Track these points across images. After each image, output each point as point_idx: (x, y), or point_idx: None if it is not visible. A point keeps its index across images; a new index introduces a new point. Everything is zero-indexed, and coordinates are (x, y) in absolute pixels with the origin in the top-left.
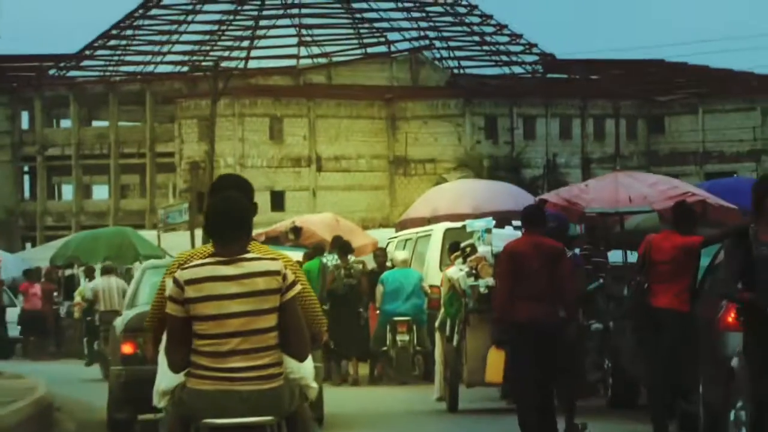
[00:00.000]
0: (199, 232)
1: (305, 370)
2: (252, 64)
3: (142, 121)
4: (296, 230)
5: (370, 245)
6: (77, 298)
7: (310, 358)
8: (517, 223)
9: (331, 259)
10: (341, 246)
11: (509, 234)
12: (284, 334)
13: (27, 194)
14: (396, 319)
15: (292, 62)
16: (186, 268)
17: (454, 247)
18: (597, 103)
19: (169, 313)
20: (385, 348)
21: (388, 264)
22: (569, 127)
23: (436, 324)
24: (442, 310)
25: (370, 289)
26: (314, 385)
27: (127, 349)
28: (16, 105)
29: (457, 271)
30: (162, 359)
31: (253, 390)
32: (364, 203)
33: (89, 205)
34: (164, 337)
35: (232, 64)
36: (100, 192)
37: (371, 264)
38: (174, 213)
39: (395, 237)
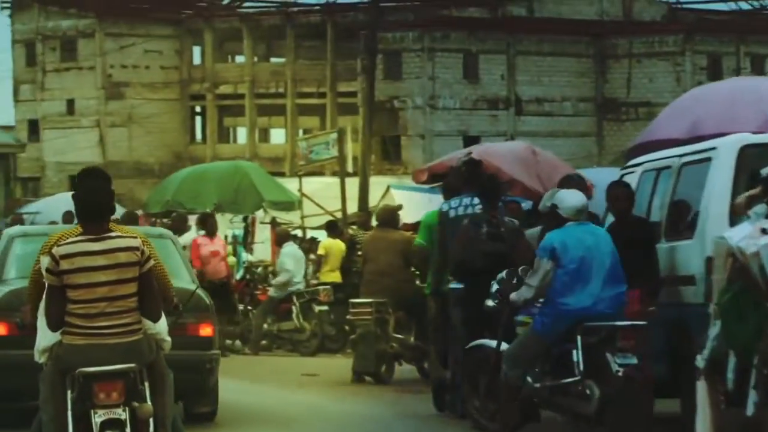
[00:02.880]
0: (352, 180)
1: (160, 327)
2: None
3: (322, 57)
4: (472, 164)
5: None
6: None
7: (163, 316)
8: None
9: (456, 206)
10: (486, 184)
11: None
12: (141, 299)
13: (198, 136)
14: (590, 324)
15: None
16: (61, 245)
17: (749, 181)
18: None
19: (48, 283)
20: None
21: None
22: None
23: (701, 358)
24: (715, 324)
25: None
26: (168, 338)
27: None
28: (185, 38)
29: (754, 233)
30: (41, 322)
31: (118, 342)
32: (568, 151)
33: (264, 150)
34: (42, 303)
35: None
36: (279, 135)
37: None
38: (319, 146)
39: (635, 165)
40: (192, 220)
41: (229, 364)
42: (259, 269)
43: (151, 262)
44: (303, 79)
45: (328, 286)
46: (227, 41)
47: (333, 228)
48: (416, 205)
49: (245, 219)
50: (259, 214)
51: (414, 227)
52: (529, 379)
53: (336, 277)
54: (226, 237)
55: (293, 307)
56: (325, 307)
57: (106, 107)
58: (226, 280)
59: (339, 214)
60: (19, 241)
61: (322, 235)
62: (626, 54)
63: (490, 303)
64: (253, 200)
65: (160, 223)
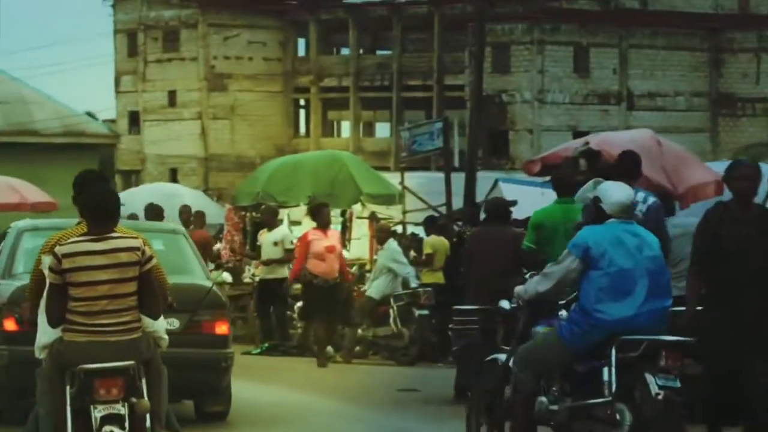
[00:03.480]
0: (457, 176)
1: (158, 325)
2: None
3: (429, 49)
4: (590, 154)
5: (712, 185)
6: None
7: (162, 315)
8: None
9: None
10: (608, 172)
11: None
12: (142, 298)
13: (302, 130)
14: (628, 338)
15: None
16: (64, 244)
17: None
18: None
19: (50, 281)
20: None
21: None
22: None
23: None
24: None
25: None
26: (165, 336)
27: (10, 325)
28: (290, 30)
29: None
30: (42, 319)
31: (118, 340)
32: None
33: (368, 144)
34: (43, 300)
35: None
36: (384, 129)
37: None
38: (423, 136)
39: None
40: (284, 213)
41: (321, 374)
42: (354, 267)
43: (153, 262)
44: (409, 72)
45: (429, 288)
46: (332, 33)
47: (432, 224)
48: (527, 200)
49: (342, 213)
50: (357, 208)
51: (525, 224)
52: (543, 399)
53: (438, 278)
54: None
55: (390, 311)
56: (425, 312)
57: (208, 99)
58: (339, 281)
59: (443, 210)
60: (29, 235)
61: (420, 232)
62: (742, 48)
63: (504, 305)
64: (351, 193)
65: (250, 216)
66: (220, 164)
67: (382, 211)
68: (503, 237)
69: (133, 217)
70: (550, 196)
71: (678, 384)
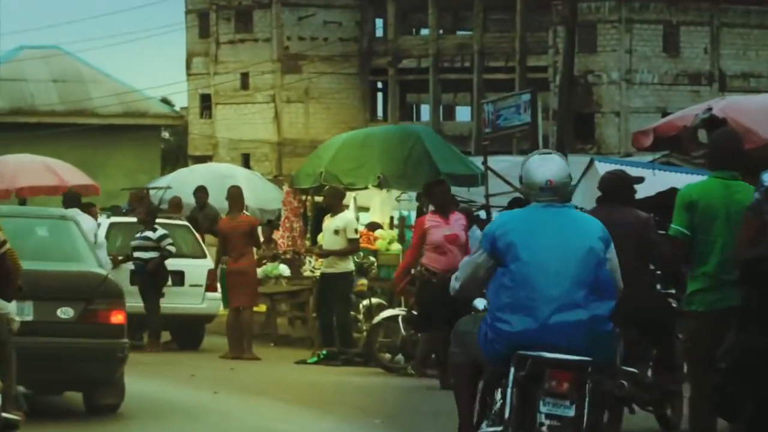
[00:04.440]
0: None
1: (11, 307)
2: None
3: (511, 29)
4: (712, 123)
5: None
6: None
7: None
8: None
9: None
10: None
11: None
12: None
13: (379, 113)
14: (525, 354)
15: None
16: None
17: None
18: None
19: None
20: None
21: None
22: None
23: None
24: None
25: None
26: (17, 318)
27: None
28: (367, 9)
29: None
30: None
31: None
32: None
33: (449, 127)
34: None
35: None
36: (464, 113)
37: None
38: (508, 110)
39: None
40: (350, 197)
41: (385, 394)
42: None
43: (6, 246)
44: (490, 53)
45: None
46: (411, 12)
47: (519, 207)
48: None
49: (418, 197)
50: None
51: (642, 206)
52: (484, 425)
53: None
54: (391, 219)
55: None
56: None
57: (281, 82)
58: None
59: None
60: None
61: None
62: None
63: (479, 305)
64: (427, 173)
65: (312, 200)
66: (294, 149)
67: (462, 194)
68: (626, 221)
69: (175, 200)
70: (663, 177)
71: (572, 412)
